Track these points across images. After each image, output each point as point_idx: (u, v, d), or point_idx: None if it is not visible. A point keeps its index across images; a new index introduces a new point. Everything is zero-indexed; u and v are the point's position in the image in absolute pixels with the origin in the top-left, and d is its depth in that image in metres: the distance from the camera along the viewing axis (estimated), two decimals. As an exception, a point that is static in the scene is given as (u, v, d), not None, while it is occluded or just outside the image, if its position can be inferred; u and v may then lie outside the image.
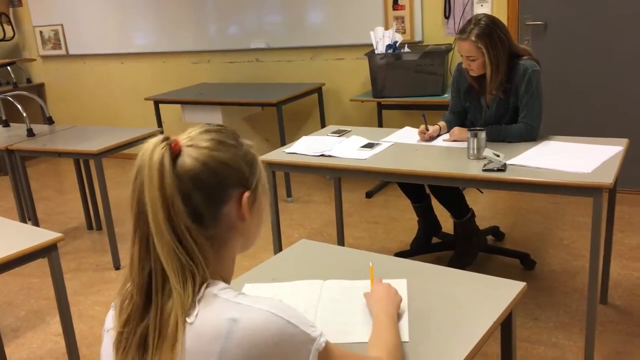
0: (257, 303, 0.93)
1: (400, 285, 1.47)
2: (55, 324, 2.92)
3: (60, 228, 4.32)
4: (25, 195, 3.92)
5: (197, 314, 0.92)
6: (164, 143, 0.95)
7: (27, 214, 4.01)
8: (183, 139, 0.99)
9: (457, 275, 1.55)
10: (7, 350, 2.72)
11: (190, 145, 0.98)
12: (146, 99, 4.78)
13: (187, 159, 0.96)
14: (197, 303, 0.93)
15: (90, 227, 4.27)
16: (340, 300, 1.44)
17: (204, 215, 0.96)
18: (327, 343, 0.98)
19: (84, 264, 3.63)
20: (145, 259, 0.94)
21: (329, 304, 1.42)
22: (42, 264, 2.15)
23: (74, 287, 3.29)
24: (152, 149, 0.94)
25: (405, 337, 1.26)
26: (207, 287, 0.95)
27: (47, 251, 2.07)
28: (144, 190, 0.93)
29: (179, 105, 4.69)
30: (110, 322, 1.01)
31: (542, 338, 2.50)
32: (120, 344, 0.95)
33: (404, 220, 3.83)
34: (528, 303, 2.73)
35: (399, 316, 1.34)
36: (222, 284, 0.97)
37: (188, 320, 0.92)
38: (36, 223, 3.94)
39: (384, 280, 1.49)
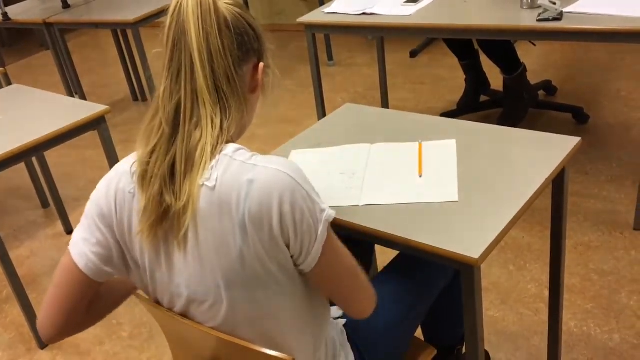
0: (272, 163, 0.94)
1: (449, 146, 1.44)
2: (113, 193, 3.06)
3: (106, 101, 4.39)
4: (68, 69, 3.94)
5: (217, 179, 0.93)
6: None
7: (73, 87, 4.06)
8: None
9: (508, 132, 1.50)
10: (71, 219, 2.89)
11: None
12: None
13: (222, 8, 0.97)
14: (213, 167, 0.94)
15: (135, 99, 4.32)
16: (389, 162, 1.43)
17: (235, 63, 0.98)
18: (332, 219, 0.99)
19: (133, 135, 3.70)
20: (175, 90, 0.96)
21: (377, 167, 1.42)
22: (94, 136, 2.21)
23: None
24: None
25: (454, 197, 1.26)
26: (220, 150, 0.96)
27: (97, 123, 2.11)
28: (189, 19, 0.93)
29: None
30: (125, 162, 1.03)
31: (592, 192, 2.47)
32: (146, 174, 0.97)
33: (451, 79, 3.71)
34: (579, 157, 2.68)
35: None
36: (234, 146, 0.98)
37: (208, 184, 0.93)
38: (83, 97, 4.00)
39: (432, 142, 1.46)
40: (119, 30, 4.17)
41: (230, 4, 0.98)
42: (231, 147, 0.97)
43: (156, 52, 1.00)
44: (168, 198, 0.94)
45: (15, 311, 2.38)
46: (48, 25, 3.66)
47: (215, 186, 0.93)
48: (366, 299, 1.09)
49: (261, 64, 1.03)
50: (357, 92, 3.84)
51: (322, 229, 0.96)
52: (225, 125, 0.96)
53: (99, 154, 2.58)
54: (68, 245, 1.06)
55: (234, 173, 0.93)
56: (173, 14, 0.95)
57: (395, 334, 1.29)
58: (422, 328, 1.55)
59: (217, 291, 0.97)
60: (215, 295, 0.98)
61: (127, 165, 1.02)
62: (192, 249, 0.96)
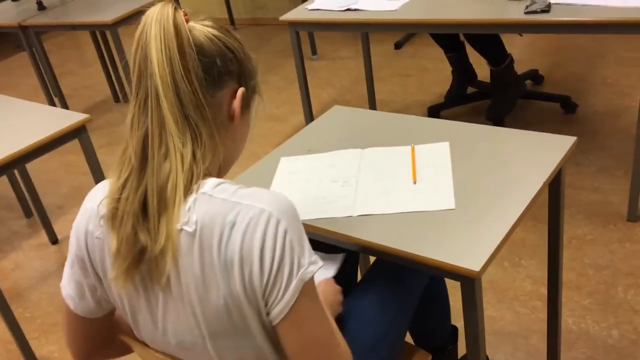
0: (258, 200, 0.86)
1: (442, 149, 1.40)
2: (97, 199, 2.99)
3: (87, 102, 4.31)
4: (47, 72, 3.85)
5: (196, 222, 0.85)
6: (174, 5, 0.91)
7: (52, 90, 3.97)
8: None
9: (501, 133, 1.46)
10: (55, 227, 2.81)
11: (197, 22, 0.93)
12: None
13: (195, 30, 0.91)
14: (190, 208, 0.86)
15: (117, 100, 4.24)
16: (382, 168, 1.38)
17: (203, 88, 0.91)
18: (312, 277, 0.88)
19: (115, 138, 3.65)
20: (142, 119, 0.89)
21: (370, 173, 1.37)
22: (77, 140, 2.14)
23: (109, 161, 3.30)
24: (162, 6, 0.89)
25: (451, 204, 1.22)
26: (198, 188, 0.88)
27: (77, 133, 2.04)
28: (151, 44, 0.87)
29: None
30: (93, 198, 0.96)
31: (584, 183, 2.45)
32: (116, 213, 0.89)
33: (437, 71, 3.67)
34: (569, 149, 2.66)
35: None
36: (215, 181, 0.90)
37: (187, 229, 0.85)
38: (63, 99, 3.91)
39: (425, 145, 1.43)
40: (97, 31, 4.08)
41: (206, 26, 0.92)
42: (211, 182, 0.89)
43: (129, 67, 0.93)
44: (143, 237, 0.86)
45: (1, 327, 2.32)
46: (23, 28, 3.56)
47: (195, 230, 0.85)
48: None
49: (240, 89, 0.96)
50: (343, 86, 3.79)
51: (296, 281, 0.85)
52: (198, 155, 0.89)
53: (83, 158, 2.51)
54: (53, 255, 1.03)
55: (215, 214, 0.85)
56: (139, 38, 0.89)
57: (384, 345, 1.25)
58: (409, 333, 1.52)
59: (203, 341, 0.92)
60: (202, 345, 0.93)
61: (96, 201, 0.95)
62: (175, 297, 0.89)
